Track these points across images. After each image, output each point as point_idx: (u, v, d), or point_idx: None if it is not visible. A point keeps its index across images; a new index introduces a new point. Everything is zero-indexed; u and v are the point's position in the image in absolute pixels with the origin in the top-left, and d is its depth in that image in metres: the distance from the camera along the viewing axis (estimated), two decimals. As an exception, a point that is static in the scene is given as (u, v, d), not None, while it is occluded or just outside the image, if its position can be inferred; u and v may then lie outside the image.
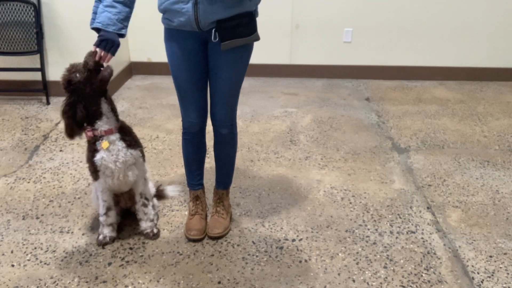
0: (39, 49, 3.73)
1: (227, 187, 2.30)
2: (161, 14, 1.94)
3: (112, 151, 1.97)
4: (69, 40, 3.78)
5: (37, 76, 3.84)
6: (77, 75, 1.88)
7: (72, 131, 1.94)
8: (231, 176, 2.29)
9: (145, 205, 2.17)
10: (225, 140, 2.14)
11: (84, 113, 1.92)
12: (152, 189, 2.31)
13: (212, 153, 2.26)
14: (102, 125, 1.96)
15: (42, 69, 3.76)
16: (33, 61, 3.81)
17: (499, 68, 4.46)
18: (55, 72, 3.85)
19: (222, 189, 2.28)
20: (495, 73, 4.47)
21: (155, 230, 2.19)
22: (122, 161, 1.99)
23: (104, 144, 1.95)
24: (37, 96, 3.94)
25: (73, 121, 1.92)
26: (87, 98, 1.91)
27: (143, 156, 2.12)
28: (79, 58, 3.93)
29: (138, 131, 3.22)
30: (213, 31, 1.83)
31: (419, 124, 3.48)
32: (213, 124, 2.10)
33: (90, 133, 1.97)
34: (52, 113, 3.64)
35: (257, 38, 1.89)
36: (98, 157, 1.97)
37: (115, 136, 1.98)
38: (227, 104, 2.04)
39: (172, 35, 1.94)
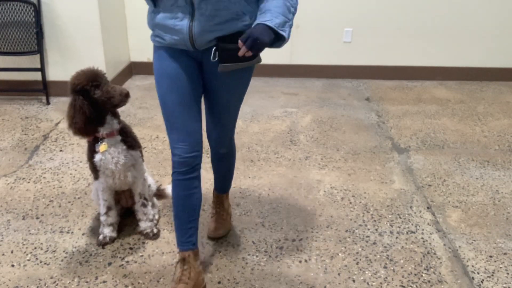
0: (39, 49, 3.73)
1: (226, 191, 2.23)
2: None
3: (113, 152, 1.98)
4: (69, 40, 3.78)
5: (37, 76, 3.84)
6: (96, 90, 1.89)
7: (85, 126, 1.91)
8: (231, 181, 2.22)
9: (144, 205, 2.17)
10: (223, 157, 2.04)
11: (91, 111, 1.91)
12: (153, 187, 2.31)
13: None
14: (104, 129, 1.97)
15: (42, 69, 3.76)
16: (33, 61, 3.81)
17: (499, 68, 4.46)
18: (55, 72, 3.85)
19: (222, 193, 2.22)
20: (495, 73, 4.47)
21: (155, 230, 2.19)
22: (123, 163, 2.00)
23: (102, 147, 1.96)
24: (37, 96, 3.94)
25: (85, 117, 1.90)
26: (95, 107, 1.92)
27: (142, 156, 2.12)
28: (79, 58, 3.93)
29: (138, 131, 3.22)
30: (213, 49, 1.61)
31: (419, 124, 3.48)
32: (210, 144, 1.99)
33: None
34: (52, 113, 3.64)
35: (259, 61, 1.65)
36: (97, 158, 1.99)
37: (116, 139, 1.99)
38: (225, 127, 1.89)
39: (163, 53, 1.72)
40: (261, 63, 1.71)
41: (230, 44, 1.56)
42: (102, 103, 1.89)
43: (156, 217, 2.27)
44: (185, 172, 1.74)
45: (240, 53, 1.53)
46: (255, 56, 1.59)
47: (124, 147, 2.01)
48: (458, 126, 3.46)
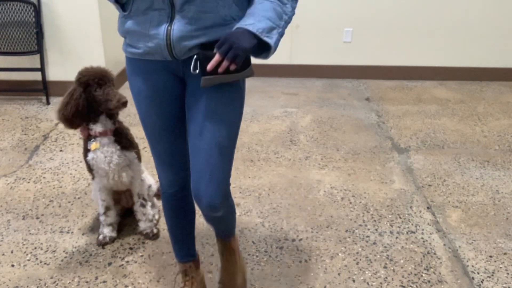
0: (39, 49, 3.73)
1: (230, 236, 1.75)
2: None
3: (105, 152, 1.98)
4: (69, 40, 3.78)
5: (37, 76, 3.84)
6: (98, 89, 1.90)
7: (71, 117, 1.91)
8: (234, 223, 1.74)
9: (143, 206, 2.17)
10: (219, 221, 1.61)
11: (84, 106, 1.92)
12: (153, 187, 2.31)
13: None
14: (97, 127, 1.97)
15: (42, 69, 3.76)
16: (33, 61, 3.81)
17: (499, 68, 4.46)
18: (55, 72, 3.85)
19: (224, 238, 1.74)
20: (495, 73, 4.47)
21: (154, 230, 2.19)
22: (116, 163, 2.00)
23: (93, 145, 1.97)
24: (37, 96, 3.94)
25: (76, 108, 1.91)
26: (91, 104, 1.94)
27: (138, 157, 2.12)
28: (79, 58, 3.92)
29: (138, 131, 3.22)
30: (193, 59, 1.33)
31: (419, 124, 3.48)
32: (199, 206, 1.46)
33: (85, 132, 1.99)
34: (52, 113, 3.64)
35: (251, 73, 1.38)
36: (90, 156, 2.00)
37: (109, 139, 1.99)
38: (217, 174, 1.41)
39: (137, 67, 1.44)
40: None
41: (214, 52, 1.28)
42: (98, 102, 1.91)
43: (156, 217, 2.27)
44: (175, 194, 1.61)
45: (214, 65, 1.27)
46: (244, 67, 1.34)
47: (118, 147, 2.01)
48: (458, 126, 3.46)
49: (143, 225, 2.19)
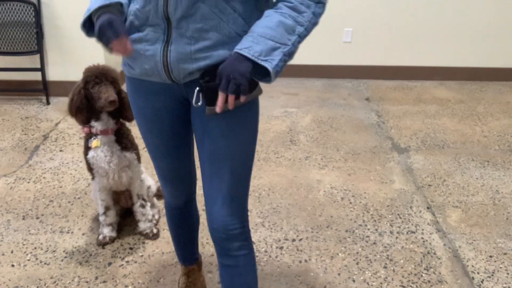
0: (39, 49, 3.73)
1: None
2: None
3: (106, 151, 1.99)
4: (69, 40, 3.78)
5: (37, 76, 3.84)
6: (94, 86, 1.90)
7: (75, 112, 1.94)
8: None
9: (142, 206, 2.17)
10: (236, 262, 1.33)
11: (84, 102, 1.93)
12: (153, 188, 2.31)
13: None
14: (98, 125, 1.98)
15: (42, 69, 3.76)
16: (33, 61, 3.81)
17: (499, 68, 4.46)
18: (55, 72, 3.85)
19: None
20: (495, 73, 4.47)
21: (154, 230, 2.19)
22: (116, 163, 2.01)
23: (94, 143, 1.98)
24: (37, 96, 3.94)
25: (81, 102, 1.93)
26: (89, 101, 1.95)
27: (138, 158, 2.12)
28: (79, 58, 3.93)
29: (139, 131, 3.22)
30: (195, 91, 1.17)
31: (419, 124, 3.48)
32: (211, 234, 1.32)
33: (86, 129, 2.00)
34: (52, 113, 3.64)
35: (260, 92, 1.25)
36: (90, 155, 2.00)
37: (109, 138, 1.99)
38: (232, 198, 1.28)
39: (136, 86, 1.31)
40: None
41: (217, 83, 1.13)
42: (92, 99, 1.92)
43: (156, 217, 2.27)
44: (179, 205, 1.56)
45: (222, 106, 1.12)
46: (252, 87, 1.19)
47: (119, 147, 2.02)
48: (458, 126, 3.46)
49: (142, 226, 2.19)
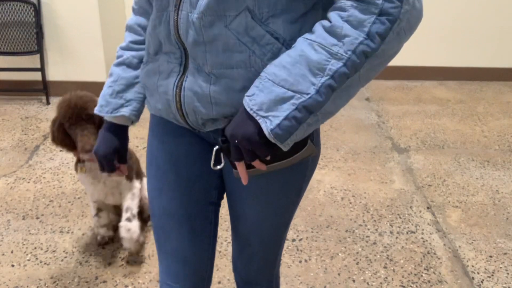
0: (39, 49, 3.73)
1: None
2: None
3: (91, 178, 1.94)
4: (69, 40, 3.78)
5: (37, 76, 3.84)
6: (71, 127, 1.77)
7: (57, 143, 1.86)
8: None
9: (129, 220, 1.98)
10: None
11: (61, 138, 1.83)
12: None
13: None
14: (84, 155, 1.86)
15: (42, 69, 3.76)
16: (33, 61, 3.81)
17: (499, 68, 4.46)
18: (55, 72, 3.85)
19: None
20: (495, 73, 4.47)
21: (139, 250, 2.08)
22: (101, 188, 1.97)
23: (79, 169, 1.92)
24: (37, 96, 3.94)
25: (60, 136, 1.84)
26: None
27: (133, 170, 2.01)
28: (79, 58, 3.93)
29: (138, 131, 3.22)
30: (213, 152, 0.87)
31: (419, 124, 3.48)
32: (236, 279, 1.22)
33: (75, 153, 1.92)
34: (52, 113, 3.64)
35: (312, 152, 0.90)
36: (78, 175, 1.96)
37: (96, 165, 1.90)
38: (255, 258, 1.13)
39: (155, 123, 1.06)
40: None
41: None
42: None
43: (142, 238, 2.09)
44: None
45: (246, 178, 0.86)
46: (299, 148, 0.87)
47: (105, 174, 1.86)
48: (458, 126, 3.46)
49: (126, 244, 1.94)
